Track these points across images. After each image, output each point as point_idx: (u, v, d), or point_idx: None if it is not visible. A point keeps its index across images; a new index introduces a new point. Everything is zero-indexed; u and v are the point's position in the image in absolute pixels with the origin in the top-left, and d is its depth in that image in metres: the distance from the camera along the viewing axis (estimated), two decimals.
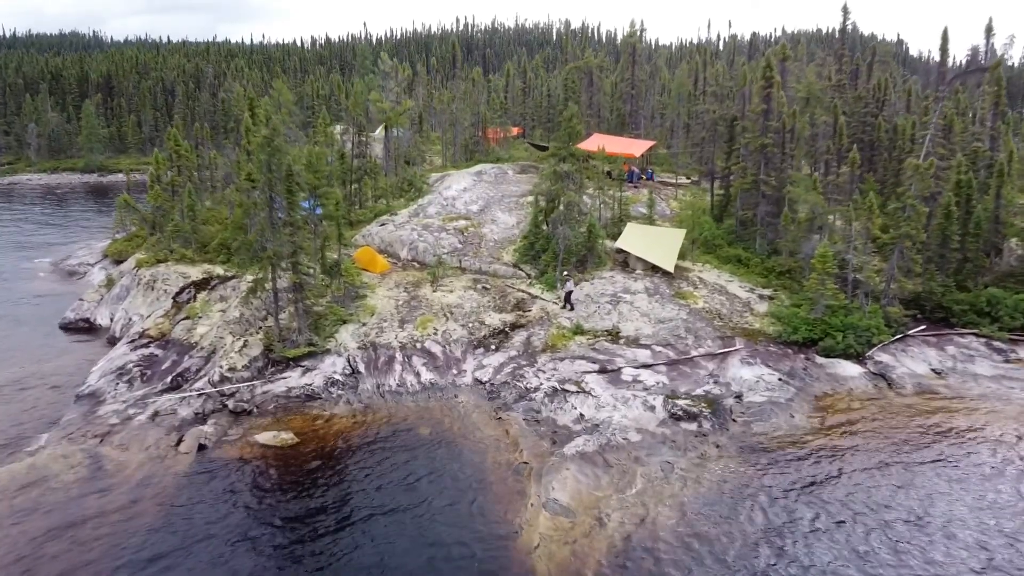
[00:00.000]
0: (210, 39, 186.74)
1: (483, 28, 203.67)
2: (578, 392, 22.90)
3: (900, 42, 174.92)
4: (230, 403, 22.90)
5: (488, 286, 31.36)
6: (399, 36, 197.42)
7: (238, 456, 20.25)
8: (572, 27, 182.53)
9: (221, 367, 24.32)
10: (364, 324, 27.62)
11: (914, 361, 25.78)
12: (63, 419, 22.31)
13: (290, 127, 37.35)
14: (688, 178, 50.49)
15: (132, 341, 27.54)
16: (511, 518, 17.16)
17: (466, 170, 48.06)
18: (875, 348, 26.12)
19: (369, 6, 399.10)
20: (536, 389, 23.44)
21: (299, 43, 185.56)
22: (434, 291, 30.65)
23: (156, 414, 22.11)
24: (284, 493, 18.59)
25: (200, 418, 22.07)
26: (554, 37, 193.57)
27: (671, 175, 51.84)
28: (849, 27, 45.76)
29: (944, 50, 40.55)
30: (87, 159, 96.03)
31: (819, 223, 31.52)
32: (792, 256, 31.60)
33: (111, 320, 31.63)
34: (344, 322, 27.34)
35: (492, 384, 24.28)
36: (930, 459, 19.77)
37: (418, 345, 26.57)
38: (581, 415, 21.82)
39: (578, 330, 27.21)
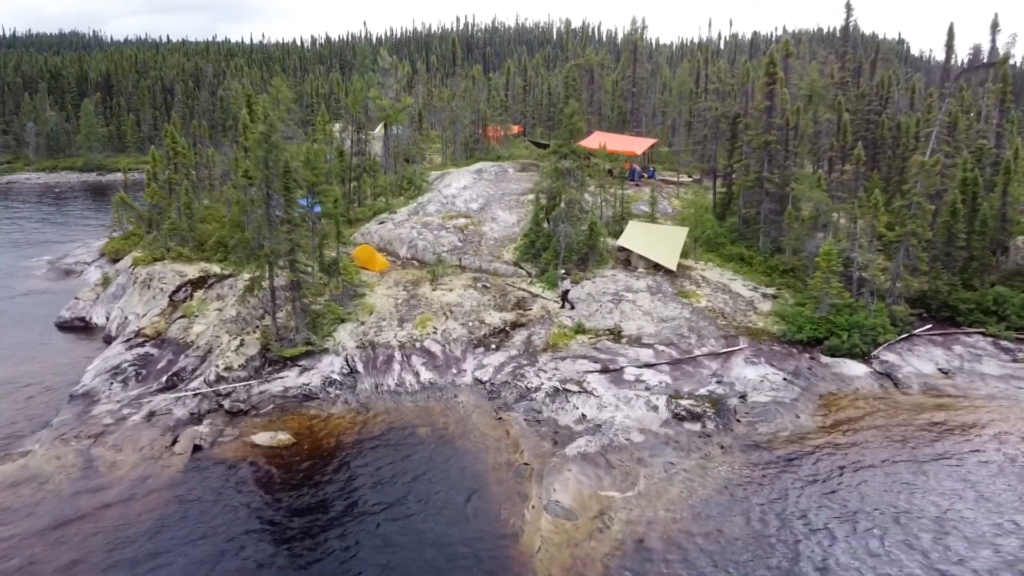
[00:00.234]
0: (210, 39, 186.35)
1: (483, 27, 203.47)
2: (580, 392, 22.54)
3: (901, 41, 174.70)
4: (226, 403, 22.55)
5: (488, 284, 31.00)
6: (399, 35, 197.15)
7: (234, 457, 19.89)
8: (572, 26, 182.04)
9: (217, 366, 23.96)
10: (363, 323, 27.27)
11: (920, 361, 25.41)
12: (56, 419, 21.96)
13: (288, 124, 36.96)
14: (690, 176, 50.11)
15: (127, 340, 27.19)
16: (512, 520, 16.81)
17: (466, 168, 47.70)
18: (881, 347, 25.75)
19: (369, 5, 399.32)
20: (537, 389, 23.07)
21: (299, 42, 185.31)
22: (434, 290, 30.29)
23: (151, 414, 21.75)
24: (280, 495, 18.23)
25: (195, 418, 21.72)
26: (554, 36, 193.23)
27: (672, 173, 51.47)
28: (852, 25, 45.24)
29: (950, 46, 40.16)
30: (86, 158, 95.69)
31: (823, 221, 31.15)
32: (796, 254, 31.23)
33: (107, 319, 31.29)
34: (342, 321, 26.99)
35: (492, 384, 23.92)
36: (938, 459, 19.41)
37: (417, 344, 26.21)
38: (583, 415, 21.46)
39: (580, 329, 26.85)
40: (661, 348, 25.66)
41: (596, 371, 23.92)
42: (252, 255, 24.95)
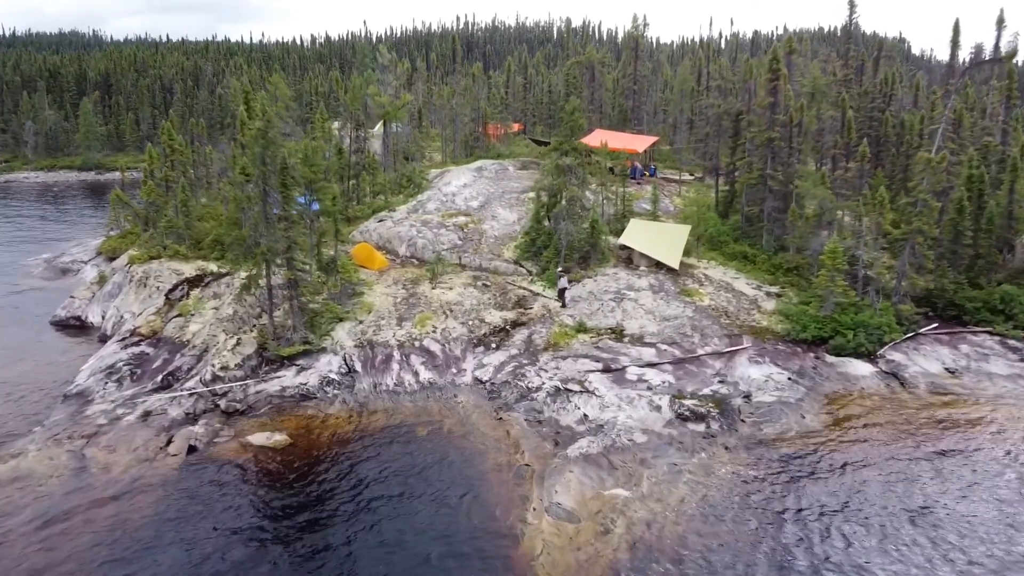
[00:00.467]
0: (209, 38, 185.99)
1: (483, 26, 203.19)
2: (581, 392, 22.18)
3: (902, 40, 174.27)
4: (222, 403, 22.20)
5: (488, 283, 30.64)
6: (399, 34, 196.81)
7: (229, 458, 19.53)
8: (573, 25, 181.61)
9: (213, 366, 23.60)
10: (361, 322, 26.91)
11: (927, 360, 25.04)
12: (50, 419, 21.61)
13: (287, 121, 36.59)
14: (692, 174, 49.73)
15: (123, 339, 26.84)
16: (512, 523, 16.44)
17: (466, 166, 47.31)
18: (886, 347, 25.39)
19: (369, 5, 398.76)
20: (538, 389, 22.71)
21: (299, 41, 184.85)
22: (433, 288, 29.93)
23: (145, 414, 21.41)
24: (276, 496, 17.87)
25: (191, 418, 21.36)
26: (555, 35, 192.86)
27: (674, 171, 51.09)
28: (855, 22, 44.85)
29: (955, 42, 39.77)
30: (84, 157, 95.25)
31: (828, 218, 30.77)
32: (800, 252, 30.84)
33: (103, 318, 30.93)
34: (340, 320, 26.63)
35: (493, 383, 23.56)
36: (947, 459, 19.05)
37: (416, 343, 25.85)
38: (585, 415, 21.10)
39: (581, 328, 26.49)
40: (664, 347, 25.29)
41: (598, 370, 23.56)
42: (249, 253, 24.59)
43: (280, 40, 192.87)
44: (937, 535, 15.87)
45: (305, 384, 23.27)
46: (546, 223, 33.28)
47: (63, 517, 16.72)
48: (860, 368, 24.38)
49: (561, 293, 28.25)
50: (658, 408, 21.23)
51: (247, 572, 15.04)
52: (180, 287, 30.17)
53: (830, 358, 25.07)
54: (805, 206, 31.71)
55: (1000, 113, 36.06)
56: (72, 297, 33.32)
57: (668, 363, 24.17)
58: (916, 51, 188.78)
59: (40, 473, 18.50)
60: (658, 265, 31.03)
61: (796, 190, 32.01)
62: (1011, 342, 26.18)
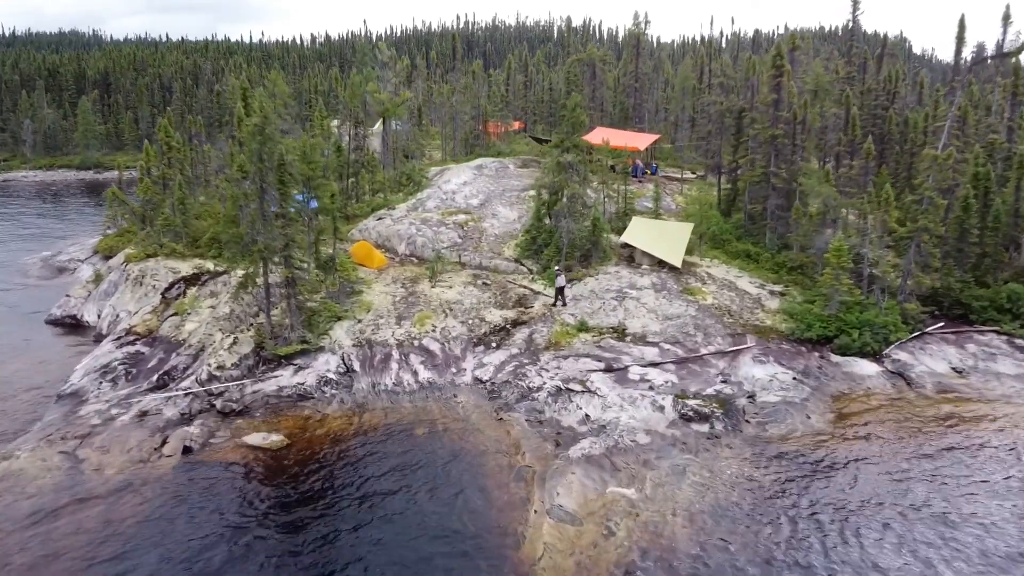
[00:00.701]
0: (209, 37, 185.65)
1: (484, 26, 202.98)
2: (583, 392, 21.82)
3: (903, 39, 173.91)
4: (218, 403, 21.84)
5: (488, 282, 30.29)
6: (399, 33, 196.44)
7: (225, 459, 19.18)
8: (573, 25, 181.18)
9: (209, 365, 23.25)
10: (360, 321, 26.56)
11: (933, 359, 24.69)
12: (43, 419, 21.27)
13: (285, 119, 36.22)
14: (694, 173, 49.37)
15: (118, 338, 26.48)
16: (513, 526, 16.08)
17: (466, 164, 46.98)
18: (892, 346, 25.03)
19: (369, 4, 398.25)
20: (539, 388, 22.35)
21: (299, 41, 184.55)
22: (433, 287, 29.58)
23: (140, 414, 21.03)
24: (271, 498, 17.51)
25: (186, 419, 21.00)
26: (555, 35, 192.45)
27: (676, 170, 50.73)
28: (859, 19, 44.52)
29: (960, 38, 39.32)
30: (83, 156, 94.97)
31: (832, 216, 30.41)
32: (803, 251, 30.50)
33: (98, 317, 30.59)
34: (339, 319, 26.28)
35: (493, 383, 23.20)
36: (956, 459, 18.69)
37: (416, 343, 25.49)
38: (586, 416, 20.74)
39: (583, 327, 26.13)
40: (666, 346, 24.94)
41: (600, 370, 23.20)
42: (246, 251, 24.23)
43: (280, 39, 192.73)
44: (946, 535, 15.50)
45: (302, 384, 22.92)
46: (547, 221, 32.94)
47: (52, 518, 16.37)
48: (866, 368, 24.03)
49: (559, 291, 27.85)
50: (661, 408, 20.88)
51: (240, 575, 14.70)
52: (177, 286, 29.81)
53: (835, 357, 24.72)
54: (809, 204, 31.35)
55: (1006, 110, 35.66)
56: (68, 296, 32.99)
57: (671, 362, 23.82)
58: (917, 50, 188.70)
59: (31, 474, 18.14)
60: (660, 263, 30.68)
61: (800, 188, 31.65)
62: (1018, 341, 25.81)
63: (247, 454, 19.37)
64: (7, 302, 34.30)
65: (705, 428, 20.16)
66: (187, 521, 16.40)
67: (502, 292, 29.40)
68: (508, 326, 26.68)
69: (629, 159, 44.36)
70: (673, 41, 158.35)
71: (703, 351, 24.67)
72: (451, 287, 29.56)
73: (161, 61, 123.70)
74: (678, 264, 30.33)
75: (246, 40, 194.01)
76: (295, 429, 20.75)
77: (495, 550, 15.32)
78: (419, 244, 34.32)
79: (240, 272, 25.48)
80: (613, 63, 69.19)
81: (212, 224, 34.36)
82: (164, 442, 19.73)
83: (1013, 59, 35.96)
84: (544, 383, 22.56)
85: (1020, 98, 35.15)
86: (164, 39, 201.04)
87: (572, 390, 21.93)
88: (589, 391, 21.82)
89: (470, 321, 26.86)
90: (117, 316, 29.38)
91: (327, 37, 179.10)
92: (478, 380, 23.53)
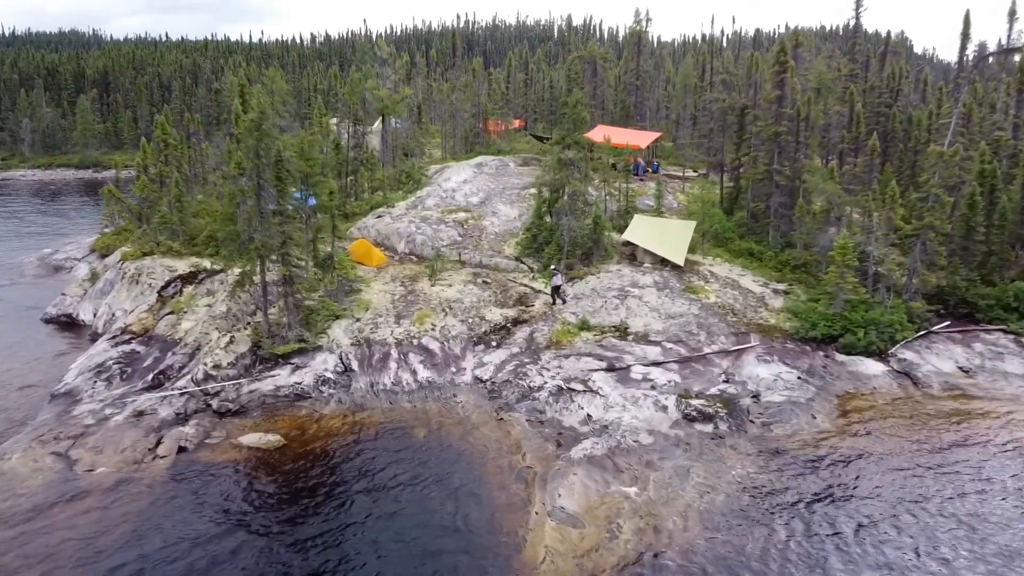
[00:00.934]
0: (209, 37, 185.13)
1: (484, 25, 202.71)
2: (585, 391, 21.48)
3: (904, 38, 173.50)
4: (214, 403, 21.51)
5: (489, 280, 29.94)
6: (399, 32, 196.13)
7: (220, 459, 18.85)
8: (574, 24, 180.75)
9: (205, 364, 22.90)
10: (358, 320, 26.21)
11: (940, 359, 24.34)
12: (36, 419, 20.94)
13: (283, 116, 35.90)
14: (696, 171, 49.00)
15: (113, 337, 26.14)
16: (514, 528, 15.74)
17: (466, 162, 46.62)
18: (898, 345, 24.68)
19: (369, 3, 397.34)
20: (540, 388, 22.00)
21: (299, 40, 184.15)
22: (432, 285, 29.23)
23: (135, 414, 20.69)
24: (266, 499, 17.18)
25: (181, 419, 20.66)
26: (555, 34, 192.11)
27: (678, 168, 50.36)
28: (862, 16, 44.23)
29: (965, 35, 39.01)
30: (82, 155, 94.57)
31: (836, 214, 30.04)
32: (807, 249, 30.12)
33: (94, 315, 30.23)
34: (337, 317, 25.94)
35: (493, 383, 22.86)
36: (963, 459, 18.36)
37: (415, 341, 25.15)
38: (588, 416, 20.40)
39: (584, 326, 25.78)
40: (669, 345, 24.59)
41: (602, 369, 22.86)
42: (243, 248, 23.88)
43: (280, 39, 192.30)
44: (958, 535, 15.16)
45: (300, 383, 22.58)
46: (548, 219, 32.59)
47: (43, 518, 16.04)
48: (871, 367, 23.69)
49: (555, 290, 27.46)
50: (664, 408, 20.54)
51: None
52: (173, 284, 29.46)
53: (840, 357, 24.37)
54: (813, 202, 30.99)
55: (1011, 108, 35.30)
56: (64, 294, 32.66)
57: (674, 362, 23.48)
58: (918, 50, 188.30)
59: (22, 475, 17.81)
60: (662, 262, 30.34)
61: (803, 185, 31.28)
62: None
63: (243, 455, 19.04)
64: (2, 300, 33.96)
65: (709, 428, 19.83)
66: (180, 522, 16.08)
67: (502, 290, 29.07)
68: (508, 325, 26.34)
69: (630, 157, 43.98)
70: (674, 40, 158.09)
71: (706, 350, 24.32)
72: (451, 285, 29.22)
73: (160, 60, 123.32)
74: (680, 262, 29.99)
75: (246, 39, 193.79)
76: (292, 429, 20.42)
77: (495, 553, 14.98)
78: (419, 242, 33.98)
79: (237, 270, 25.16)
80: (614, 62, 68.83)
81: (209, 222, 34.01)
82: (159, 442, 19.41)
83: (1018, 55, 35.54)
84: (545, 382, 22.22)
85: None
86: (164, 39, 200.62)
87: (574, 390, 21.59)
88: (591, 391, 21.47)
89: (470, 320, 26.52)
90: (113, 315, 29.03)
91: (327, 36, 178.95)
92: (478, 379, 23.19)
